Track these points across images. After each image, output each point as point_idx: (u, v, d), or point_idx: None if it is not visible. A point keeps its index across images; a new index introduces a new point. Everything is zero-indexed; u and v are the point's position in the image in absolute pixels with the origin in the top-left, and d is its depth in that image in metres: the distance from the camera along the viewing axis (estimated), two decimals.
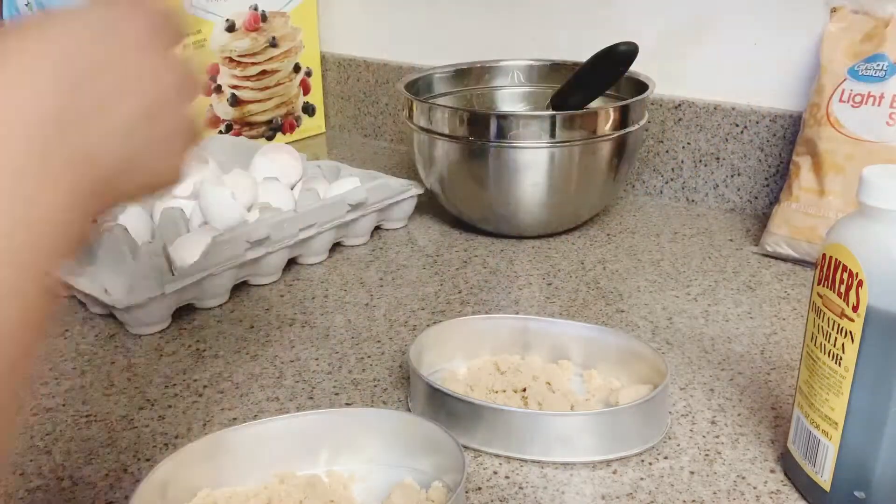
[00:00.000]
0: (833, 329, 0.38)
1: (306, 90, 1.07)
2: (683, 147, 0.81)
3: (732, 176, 0.79)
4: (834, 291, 0.38)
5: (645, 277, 0.67)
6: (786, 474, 0.44)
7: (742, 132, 0.77)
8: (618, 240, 0.75)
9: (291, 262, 0.70)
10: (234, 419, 0.50)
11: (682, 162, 0.82)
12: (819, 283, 0.39)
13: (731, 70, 0.78)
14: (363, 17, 1.05)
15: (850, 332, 0.37)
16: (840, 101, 0.66)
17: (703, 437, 0.47)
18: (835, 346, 0.38)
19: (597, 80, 0.69)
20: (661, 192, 0.84)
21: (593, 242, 0.75)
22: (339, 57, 1.08)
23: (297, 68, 1.05)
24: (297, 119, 1.07)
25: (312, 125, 1.09)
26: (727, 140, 0.78)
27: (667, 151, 0.83)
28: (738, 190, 0.79)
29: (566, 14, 0.86)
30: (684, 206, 0.82)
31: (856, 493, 0.39)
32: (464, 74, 0.83)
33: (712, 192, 0.81)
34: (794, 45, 0.74)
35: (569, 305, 0.63)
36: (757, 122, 0.76)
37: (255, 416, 0.50)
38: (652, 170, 0.84)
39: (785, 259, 0.69)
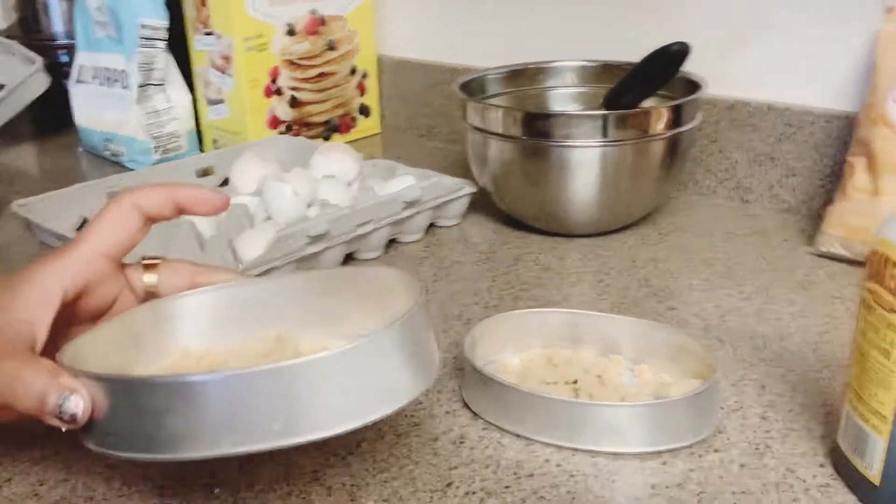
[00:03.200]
0: (882, 324, 0.39)
1: (362, 91, 1.09)
2: (737, 147, 0.82)
3: (787, 176, 0.79)
4: (883, 287, 0.38)
5: (697, 276, 0.68)
6: (835, 468, 0.44)
7: (796, 132, 0.77)
8: (670, 239, 0.75)
9: (348, 258, 0.72)
10: None
11: (737, 162, 0.82)
12: (869, 279, 0.40)
13: (786, 70, 0.78)
14: (417, 20, 1.07)
15: None
16: (895, 101, 0.65)
17: (754, 431, 0.48)
18: (884, 340, 0.39)
19: (649, 80, 0.70)
20: (715, 192, 0.84)
21: (645, 241, 0.75)
22: (395, 59, 1.10)
23: (353, 70, 1.07)
24: (354, 120, 1.10)
25: (368, 125, 1.12)
26: (781, 140, 0.78)
27: (720, 151, 0.83)
28: (794, 190, 0.79)
29: (619, 14, 0.87)
30: (738, 206, 0.82)
31: None
32: (517, 75, 0.85)
33: (767, 192, 0.81)
34: (849, 44, 0.73)
35: (619, 302, 0.64)
36: (812, 123, 0.76)
37: None
38: (705, 170, 0.84)
39: (839, 259, 0.69)
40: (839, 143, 0.75)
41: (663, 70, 0.68)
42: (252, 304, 0.47)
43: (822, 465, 0.45)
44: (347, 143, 1.06)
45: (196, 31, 1.00)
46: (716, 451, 0.46)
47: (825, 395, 0.51)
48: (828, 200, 0.73)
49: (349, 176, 0.79)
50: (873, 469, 0.41)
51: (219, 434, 0.34)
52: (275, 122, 1.01)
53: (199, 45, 1.01)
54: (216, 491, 0.44)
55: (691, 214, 0.81)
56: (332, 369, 0.35)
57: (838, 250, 0.68)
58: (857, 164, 0.68)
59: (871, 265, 0.40)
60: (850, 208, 0.67)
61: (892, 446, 0.40)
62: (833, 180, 0.75)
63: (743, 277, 0.67)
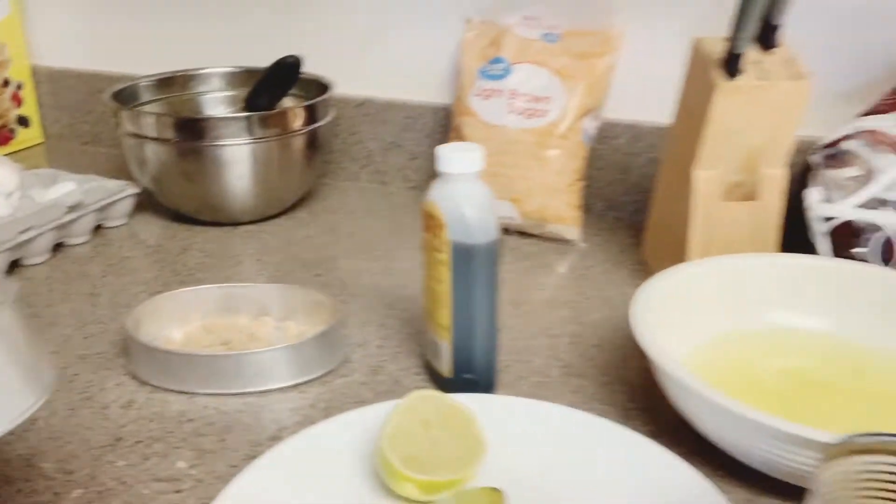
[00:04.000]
0: (435, 262, 0.54)
1: (19, 103, 1.09)
2: (372, 138, 0.97)
3: (412, 160, 0.96)
4: (431, 234, 0.54)
5: (341, 247, 0.81)
6: (428, 374, 0.60)
7: (415, 123, 0.94)
8: (321, 219, 0.88)
9: (14, 265, 0.75)
10: None
11: (373, 150, 0.97)
12: (424, 231, 0.55)
13: (402, 72, 0.94)
14: (72, 30, 1.09)
15: (444, 261, 0.53)
16: (475, 95, 0.84)
17: (373, 357, 0.62)
18: (438, 272, 0.54)
19: (276, 86, 0.82)
20: (359, 177, 0.99)
21: (299, 223, 0.87)
22: (51, 69, 1.11)
23: (6, 82, 1.06)
24: (12, 131, 1.09)
25: (29, 136, 1.11)
26: (405, 130, 0.95)
27: (359, 142, 0.97)
28: (418, 171, 0.96)
29: (260, 24, 0.98)
30: (378, 187, 0.98)
31: (466, 376, 0.56)
32: (169, 82, 0.92)
33: (398, 174, 0.97)
34: (446, 49, 0.91)
35: (275, 275, 0.75)
36: (424, 115, 0.93)
37: None
38: (349, 158, 0.99)
39: None
40: (445, 130, 0.92)
41: (285, 77, 0.80)
42: None
43: (418, 374, 0.60)
44: (7, 154, 1.05)
45: None
46: (342, 376, 0.59)
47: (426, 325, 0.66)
48: None
49: (8, 187, 0.81)
50: (444, 367, 0.56)
51: None
52: None
53: None
54: None
55: (340, 197, 0.95)
56: None
57: None
58: None
59: (424, 220, 0.55)
60: None
61: (454, 348, 0.55)
62: None
63: (376, 245, 0.82)
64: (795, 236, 0.66)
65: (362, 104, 0.95)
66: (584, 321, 0.67)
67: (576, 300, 0.71)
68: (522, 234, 0.83)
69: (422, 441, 0.46)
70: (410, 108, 0.94)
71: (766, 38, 0.60)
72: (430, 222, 0.53)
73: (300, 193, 0.89)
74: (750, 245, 0.64)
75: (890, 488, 0.36)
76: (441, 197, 0.52)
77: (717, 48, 0.60)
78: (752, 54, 0.60)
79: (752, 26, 0.57)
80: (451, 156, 0.51)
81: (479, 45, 0.86)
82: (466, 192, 0.52)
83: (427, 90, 0.93)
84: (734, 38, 0.57)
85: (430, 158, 0.94)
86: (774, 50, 0.61)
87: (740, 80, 0.59)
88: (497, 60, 0.83)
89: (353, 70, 0.95)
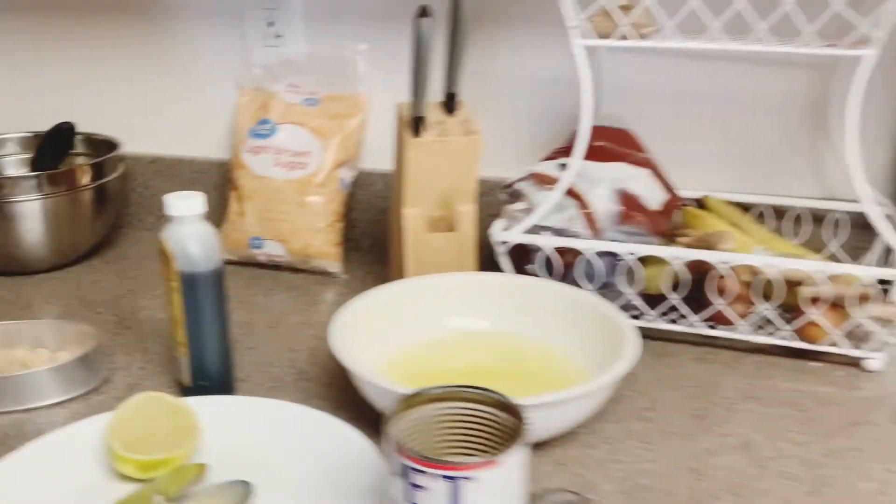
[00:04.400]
0: (170, 288, 0.66)
1: None
2: (164, 191, 1.07)
3: None
4: (165, 267, 0.65)
5: (125, 289, 0.91)
6: (179, 388, 0.71)
7: (202, 177, 1.06)
8: (113, 265, 0.98)
9: None
10: None
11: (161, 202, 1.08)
12: (161, 265, 0.67)
13: (189, 132, 1.06)
14: None
15: (176, 287, 0.65)
16: (247, 151, 0.96)
17: (133, 378, 0.72)
18: (174, 298, 0.66)
19: (56, 148, 0.92)
20: (155, 227, 1.09)
21: (92, 270, 0.97)
22: None
23: None
24: None
25: None
26: (193, 184, 1.06)
27: (153, 195, 1.08)
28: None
29: (63, 91, 1.07)
30: None
31: (201, 383, 0.67)
32: None
33: None
34: (224, 112, 1.04)
35: (60, 315, 0.84)
36: (209, 169, 1.05)
37: None
38: (146, 211, 1.09)
39: (232, 263, 0.97)
40: (228, 182, 1.05)
41: (62, 140, 0.90)
42: None
43: (170, 388, 0.71)
44: None
45: None
46: (102, 393, 0.70)
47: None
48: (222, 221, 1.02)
49: None
50: (185, 377, 0.68)
51: None
52: None
53: None
54: None
55: (134, 245, 1.05)
56: None
57: (228, 256, 0.97)
58: (233, 196, 0.98)
59: (159, 256, 0.67)
60: (230, 227, 0.97)
61: (191, 361, 0.67)
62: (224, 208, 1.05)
63: (158, 285, 0.91)
64: (493, 258, 0.82)
65: (154, 161, 1.06)
66: (325, 337, 0.80)
67: (324, 321, 0.84)
68: (291, 269, 0.96)
69: (141, 430, 0.57)
70: (197, 163, 1.06)
71: (448, 104, 0.77)
72: (163, 257, 0.65)
73: (92, 243, 0.99)
74: (454, 267, 0.80)
75: (456, 427, 0.51)
76: (170, 236, 0.65)
77: (409, 112, 0.76)
78: (437, 116, 0.76)
79: (425, 96, 0.73)
80: (174, 202, 0.64)
81: (250, 108, 0.99)
82: (189, 230, 0.64)
83: (210, 147, 1.05)
84: (415, 105, 0.73)
85: (218, 206, 1.06)
86: (456, 112, 0.77)
87: (424, 137, 0.74)
88: (264, 122, 0.97)
89: (145, 131, 1.06)
